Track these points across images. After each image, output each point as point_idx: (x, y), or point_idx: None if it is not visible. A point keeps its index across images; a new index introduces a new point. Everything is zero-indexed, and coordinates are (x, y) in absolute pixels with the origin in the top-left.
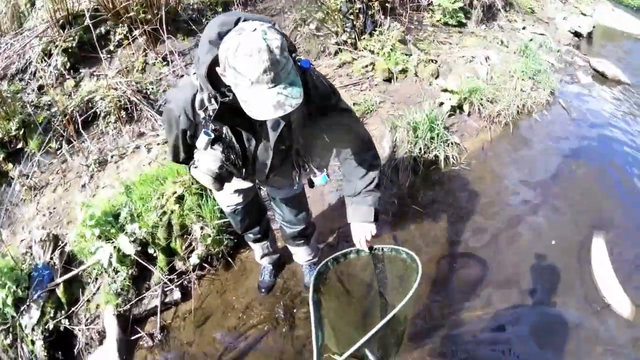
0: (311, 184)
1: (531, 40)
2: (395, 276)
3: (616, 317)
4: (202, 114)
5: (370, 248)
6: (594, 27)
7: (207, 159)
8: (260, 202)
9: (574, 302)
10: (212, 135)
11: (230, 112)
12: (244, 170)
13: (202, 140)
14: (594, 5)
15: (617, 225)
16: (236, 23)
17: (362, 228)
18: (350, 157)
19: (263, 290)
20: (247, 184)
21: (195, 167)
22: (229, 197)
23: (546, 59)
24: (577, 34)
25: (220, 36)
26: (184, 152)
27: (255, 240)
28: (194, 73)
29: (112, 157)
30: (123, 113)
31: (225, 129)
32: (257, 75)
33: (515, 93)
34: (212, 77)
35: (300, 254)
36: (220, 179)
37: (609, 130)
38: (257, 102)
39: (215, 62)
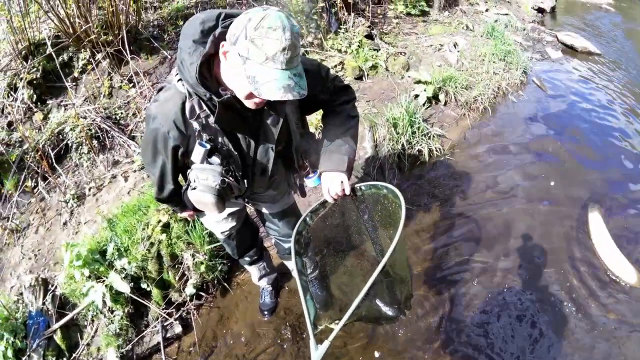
0: (303, 193)
1: (496, 21)
2: (384, 216)
3: (623, 287)
4: (194, 124)
5: (353, 189)
6: (556, 0)
7: (206, 175)
8: (252, 221)
9: (578, 275)
10: (209, 146)
11: (228, 114)
12: (245, 181)
13: (197, 153)
14: None
15: (609, 198)
16: (217, 19)
17: (332, 178)
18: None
19: (266, 312)
20: (237, 206)
21: (193, 189)
22: (223, 223)
23: (514, 39)
24: (540, 10)
25: (204, 33)
26: (172, 180)
27: (252, 263)
28: (179, 80)
29: (89, 189)
30: (95, 142)
31: (221, 137)
32: (275, 52)
33: (488, 77)
34: (201, 78)
35: None
36: (222, 196)
37: (587, 104)
38: (266, 80)
39: (203, 63)
